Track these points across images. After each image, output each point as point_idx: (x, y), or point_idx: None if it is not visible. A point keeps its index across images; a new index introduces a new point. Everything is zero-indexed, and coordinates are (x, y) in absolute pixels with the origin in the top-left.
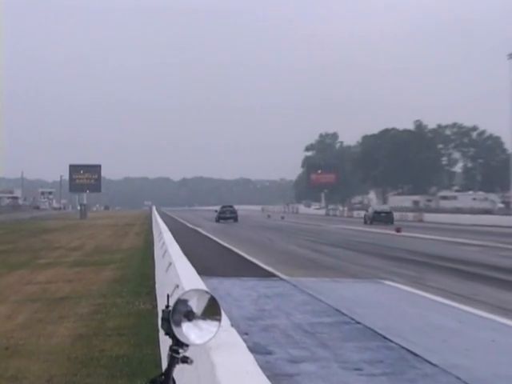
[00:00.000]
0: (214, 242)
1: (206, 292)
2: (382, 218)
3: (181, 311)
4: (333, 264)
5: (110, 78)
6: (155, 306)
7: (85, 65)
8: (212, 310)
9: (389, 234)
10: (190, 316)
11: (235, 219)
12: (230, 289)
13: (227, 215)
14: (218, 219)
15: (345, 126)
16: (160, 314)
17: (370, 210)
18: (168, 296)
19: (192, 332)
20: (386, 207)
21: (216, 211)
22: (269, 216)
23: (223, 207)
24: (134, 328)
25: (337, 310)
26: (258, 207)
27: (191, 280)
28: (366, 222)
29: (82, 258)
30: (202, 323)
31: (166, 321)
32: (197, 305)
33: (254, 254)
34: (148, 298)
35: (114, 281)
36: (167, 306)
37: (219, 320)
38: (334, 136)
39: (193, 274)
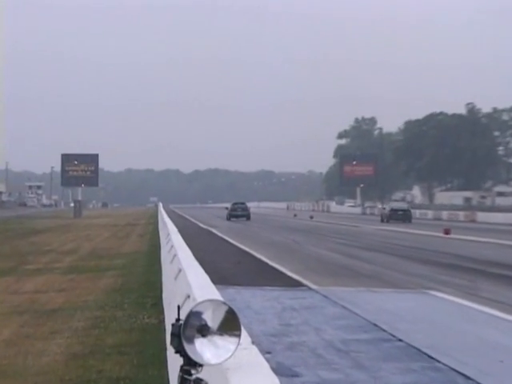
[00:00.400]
0: (231, 245)
1: (223, 303)
2: (399, 216)
3: (194, 325)
4: (370, 271)
5: (110, 59)
6: (162, 320)
7: (83, 47)
8: (230, 325)
9: (436, 237)
10: (204, 331)
11: (248, 217)
12: (250, 300)
13: (239, 213)
14: (229, 217)
15: (384, 109)
16: (169, 329)
17: (387, 208)
18: (178, 308)
19: (207, 350)
20: (403, 204)
21: (227, 208)
22: (295, 215)
23: (234, 204)
24: (138, 345)
25: (375, 325)
26: (283, 204)
27: (205, 289)
28: (382, 221)
29: (76, 263)
30: (218, 340)
31: (177, 336)
32: (212, 318)
33: (278, 260)
34: (154, 310)
35: (114, 290)
36: (178, 320)
37: (238, 336)
38: (372, 121)
39: (206, 283)
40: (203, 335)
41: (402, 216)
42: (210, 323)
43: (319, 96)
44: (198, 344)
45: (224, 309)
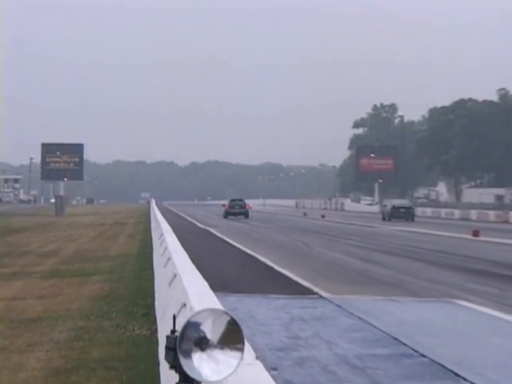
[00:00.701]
0: (233, 247)
1: (225, 313)
2: (402, 214)
3: (191, 338)
4: (389, 278)
5: (99, 35)
6: (154, 331)
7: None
8: (232, 337)
9: (463, 239)
10: (202, 344)
11: (246, 215)
12: (254, 309)
13: (236, 210)
14: (226, 215)
15: (406, 94)
16: (162, 342)
17: (389, 205)
18: (174, 318)
19: (205, 365)
20: (405, 202)
21: (224, 206)
22: (305, 214)
23: (232, 201)
24: (127, 360)
25: (395, 339)
26: (291, 202)
27: (203, 297)
28: (384, 219)
29: (57, 266)
30: (218, 354)
31: (172, 350)
32: (212, 330)
33: (286, 264)
34: (145, 320)
35: (100, 297)
36: (173, 331)
37: (241, 350)
38: (392, 108)
39: (205, 290)
40: (202, 349)
41: (404, 214)
42: (209, 335)
43: (333, 80)
44: (196, 359)
45: (225, 319)
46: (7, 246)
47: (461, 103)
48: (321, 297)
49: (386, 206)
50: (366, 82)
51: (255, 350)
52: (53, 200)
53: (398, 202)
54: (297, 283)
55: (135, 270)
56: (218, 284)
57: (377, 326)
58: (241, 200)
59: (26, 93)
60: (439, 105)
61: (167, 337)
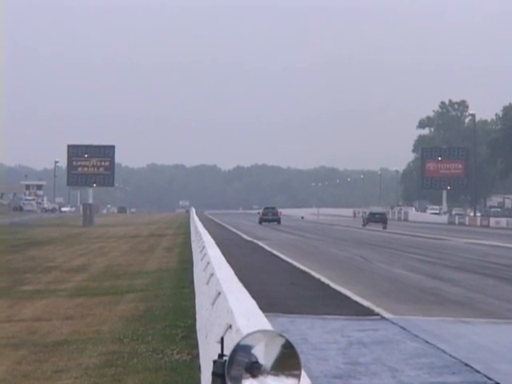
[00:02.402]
0: (284, 262)
1: (279, 335)
2: (377, 219)
3: (241, 363)
4: (460, 296)
5: (129, 29)
6: (196, 356)
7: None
8: (287, 363)
9: None
10: (254, 370)
11: (278, 221)
12: (307, 332)
13: (269, 217)
14: (261, 221)
15: (478, 91)
16: (205, 368)
17: (367, 212)
18: (222, 340)
19: None
20: (380, 209)
21: (258, 213)
22: (364, 224)
23: (265, 209)
24: None
25: (466, 365)
26: (349, 211)
27: (251, 318)
28: (363, 224)
29: (86, 283)
30: (272, 381)
31: (220, 377)
32: (265, 354)
33: (343, 282)
34: (185, 343)
35: (135, 318)
36: (221, 355)
37: (298, 377)
38: (462, 106)
39: (253, 309)
40: (253, 375)
41: (379, 219)
42: (261, 360)
43: (395, 73)
44: None
45: (280, 342)
46: (30, 260)
47: None
48: (383, 318)
49: (365, 212)
50: (434, 74)
51: (309, 377)
52: (80, 209)
53: (374, 208)
54: (355, 302)
55: (173, 287)
56: (267, 303)
57: (446, 351)
58: (273, 208)
59: (53, 92)
60: None
61: (214, 362)
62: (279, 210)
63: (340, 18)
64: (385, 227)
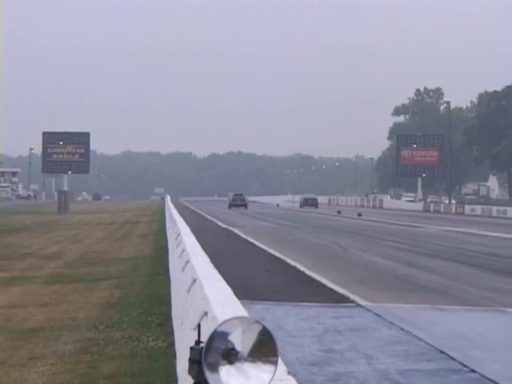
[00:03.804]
0: (259, 249)
1: (256, 322)
2: (310, 203)
3: (218, 349)
4: (435, 284)
5: (105, 15)
6: (171, 344)
7: None
8: (264, 349)
9: None
10: (231, 357)
11: (245, 206)
12: (283, 319)
13: (238, 203)
14: (230, 206)
15: (453, 78)
16: (180, 355)
17: (302, 197)
18: (199, 327)
19: (234, 380)
20: (312, 195)
21: (228, 199)
22: (339, 212)
23: (235, 195)
24: (141, 375)
25: (441, 352)
26: (324, 198)
27: (227, 305)
28: (300, 206)
29: (61, 270)
30: (248, 368)
31: (197, 363)
32: (242, 340)
33: (318, 269)
34: (160, 330)
35: (110, 305)
36: (198, 342)
37: (274, 364)
38: (438, 93)
39: (229, 297)
40: (230, 362)
41: (311, 202)
42: (238, 347)
43: (371, 61)
44: (224, 373)
45: (257, 329)
46: (5, 247)
47: None
48: (358, 305)
49: (301, 198)
50: (409, 61)
51: (285, 364)
52: (55, 196)
53: (307, 195)
54: (331, 290)
55: (148, 274)
56: (243, 291)
57: (421, 338)
58: (241, 195)
59: (27, 79)
60: (490, 89)
61: (191, 348)
62: (247, 197)
63: (314, 6)
64: (316, 207)
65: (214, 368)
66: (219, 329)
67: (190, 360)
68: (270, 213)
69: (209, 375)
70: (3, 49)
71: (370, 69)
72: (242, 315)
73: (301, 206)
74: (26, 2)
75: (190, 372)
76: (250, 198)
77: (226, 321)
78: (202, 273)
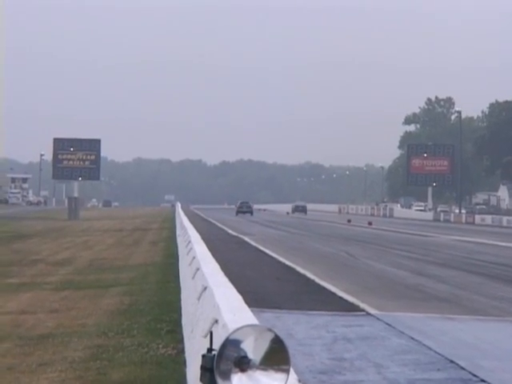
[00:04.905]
0: (269, 257)
1: (268, 330)
2: (300, 209)
3: (230, 357)
4: (445, 293)
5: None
6: (181, 351)
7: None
8: (276, 357)
9: None
10: (243, 364)
11: (251, 213)
12: (293, 327)
13: (244, 209)
14: (237, 213)
15: (465, 88)
16: (190, 362)
17: (293, 205)
18: (211, 334)
19: None
20: (302, 202)
21: (235, 206)
22: (349, 220)
23: (241, 203)
24: (150, 382)
25: (451, 362)
26: (334, 207)
27: (237, 313)
28: (292, 212)
29: (71, 277)
30: (260, 375)
31: (209, 371)
32: (254, 348)
33: (328, 277)
34: (170, 337)
35: (120, 312)
36: (210, 350)
37: (287, 372)
38: (449, 102)
39: (239, 304)
40: (242, 369)
41: (301, 209)
42: (250, 354)
43: (382, 70)
44: (236, 381)
45: (269, 337)
46: (15, 253)
47: None
48: (368, 314)
49: (292, 205)
50: (420, 71)
51: (295, 372)
52: (66, 202)
53: (298, 202)
54: (341, 298)
55: (159, 281)
56: (253, 298)
57: (431, 347)
58: (247, 202)
59: (39, 86)
60: (501, 99)
61: (203, 356)
62: (253, 205)
63: (324, 17)
64: (305, 213)
65: (226, 376)
66: (231, 336)
67: (202, 367)
68: (280, 221)
69: (221, 383)
70: (12, 57)
71: (382, 78)
72: (255, 323)
73: (292, 212)
74: (38, 11)
75: (201, 379)
76: (260, 206)
77: (238, 328)
78: (212, 280)
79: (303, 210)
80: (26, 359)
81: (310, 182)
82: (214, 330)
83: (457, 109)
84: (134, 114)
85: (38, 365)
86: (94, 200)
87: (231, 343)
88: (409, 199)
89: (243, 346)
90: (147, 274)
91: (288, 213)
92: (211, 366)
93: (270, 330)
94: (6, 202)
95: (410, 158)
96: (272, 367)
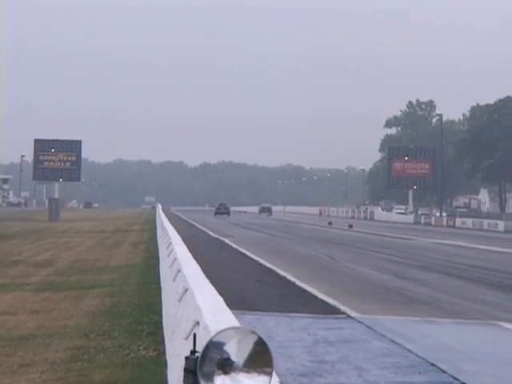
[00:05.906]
0: (250, 259)
1: (252, 332)
2: (266, 210)
3: (213, 359)
4: (426, 296)
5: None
6: (162, 352)
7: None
8: (259, 360)
9: (508, 254)
10: (226, 367)
11: (228, 214)
12: (274, 330)
13: (222, 210)
14: (215, 214)
15: (445, 91)
16: (171, 364)
17: (260, 206)
18: (195, 336)
19: None
20: (267, 204)
21: (214, 207)
22: (330, 223)
23: (219, 204)
24: None
25: (432, 365)
26: (315, 209)
27: (219, 315)
28: (259, 213)
29: (52, 278)
30: (243, 378)
31: (192, 373)
32: (237, 351)
33: (309, 280)
34: (151, 339)
35: (101, 313)
36: (193, 352)
37: (269, 374)
38: (430, 106)
39: (220, 306)
40: (225, 372)
41: (267, 210)
42: (233, 357)
43: (363, 73)
44: (219, 382)
45: (252, 339)
46: None
47: (507, 101)
48: (349, 316)
49: (259, 206)
50: (401, 74)
51: (276, 375)
52: (46, 203)
53: (264, 204)
54: (322, 301)
55: (139, 283)
56: (234, 300)
57: (412, 351)
58: (225, 204)
59: (20, 87)
60: (482, 102)
61: (186, 358)
62: (230, 206)
63: (306, 19)
64: (270, 215)
65: (209, 378)
66: (215, 339)
67: (185, 369)
68: (260, 223)
69: None
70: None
71: (363, 81)
72: (238, 325)
73: (259, 213)
74: (19, 9)
75: (185, 381)
76: (241, 209)
77: (221, 330)
78: (193, 282)
79: (269, 210)
80: (7, 360)
81: (291, 184)
82: (196, 331)
83: (438, 112)
84: (114, 115)
85: (19, 366)
86: (75, 201)
87: (214, 345)
88: (390, 202)
89: (226, 348)
90: (128, 275)
91: (268, 215)
92: (194, 368)
93: (253, 332)
94: None
95: (391, 161)
96: (255, 369)
